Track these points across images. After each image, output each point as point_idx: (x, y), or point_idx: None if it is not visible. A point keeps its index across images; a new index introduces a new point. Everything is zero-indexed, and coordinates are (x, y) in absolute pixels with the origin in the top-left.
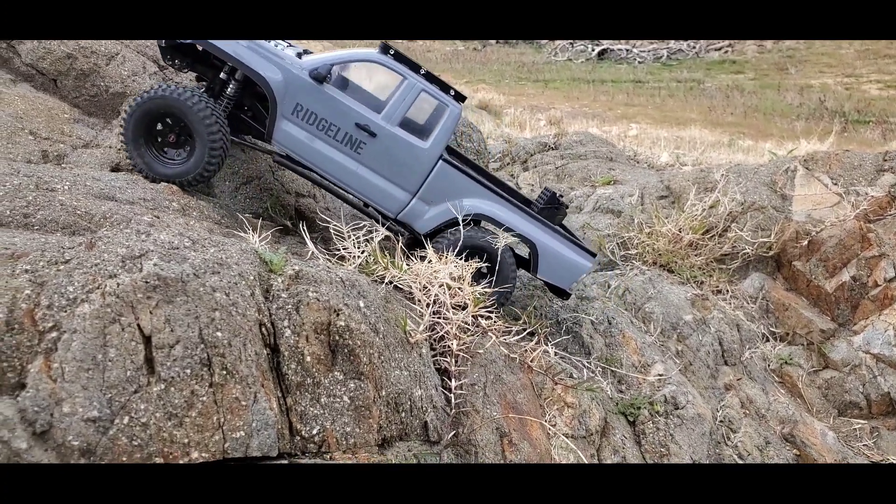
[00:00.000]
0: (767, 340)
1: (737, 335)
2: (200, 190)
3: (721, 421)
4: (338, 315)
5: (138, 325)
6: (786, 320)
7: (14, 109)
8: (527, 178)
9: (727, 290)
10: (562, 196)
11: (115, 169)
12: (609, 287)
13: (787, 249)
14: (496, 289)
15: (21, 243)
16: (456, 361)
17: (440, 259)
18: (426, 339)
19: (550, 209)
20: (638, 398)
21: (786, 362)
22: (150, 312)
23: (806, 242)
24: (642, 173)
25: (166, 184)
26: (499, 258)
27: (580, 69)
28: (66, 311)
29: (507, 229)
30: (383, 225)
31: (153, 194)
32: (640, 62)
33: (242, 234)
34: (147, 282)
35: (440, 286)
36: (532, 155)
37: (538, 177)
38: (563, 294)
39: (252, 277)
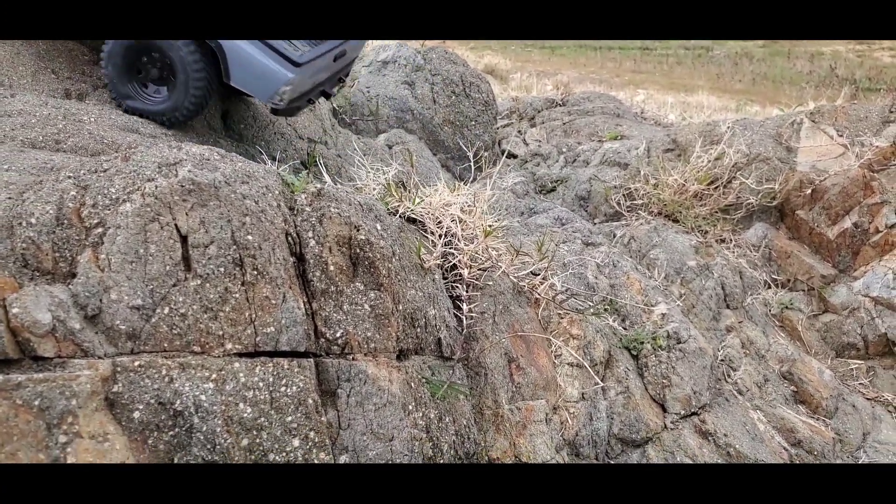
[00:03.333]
0: (769, 287)
1: (739, 281)
2: (219, 130)
3: (722, 360)
4: (358, 230)
5: (175, 225)
6: (787, 267)
7: (36, 49)
8: (534, 133)
9: (731, 239)
10: None
11: None
12: (615, 236)
13: (790, 199)
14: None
15: (59, 160)
16: (467, 289)
17: (452, 192)
18: (439, 267)
19: None
20: (641, 334)
21: (786, 307)
22: (186, 214)
23: (809, 191)
24: (649, 129)
25: (188, 124)
26: (178, 62)
27: None
28: (109, 210)
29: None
30: None
31: (218, 140)
32: None
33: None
34: (182, 185)
35: (452, 219)
36: (539, 111)
37: (545, 132)
38: (276, 111)
39: (277, 192)
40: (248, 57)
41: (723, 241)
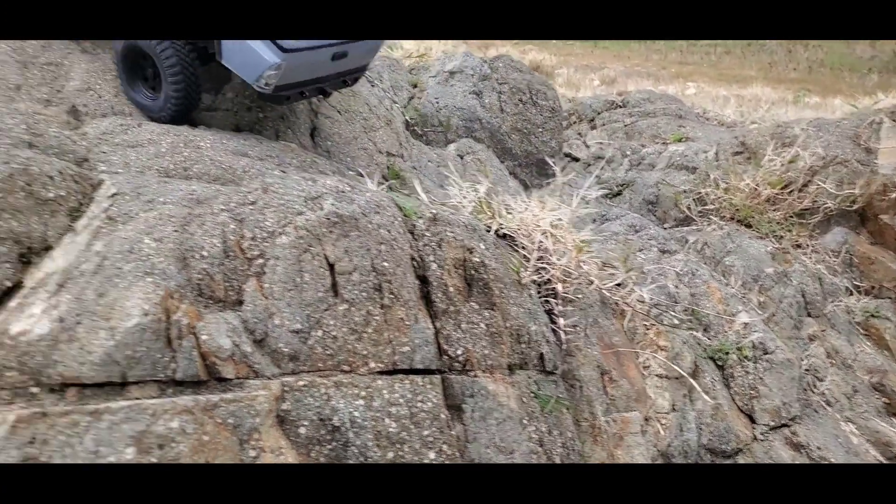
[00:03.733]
0: (851, 294)
1: (819, 288)
2: (309, 147)
3: (807, 370)
4: (471, 253)
5: (324, 255)
6: (871, 274)
7: None
8: (595, 136)
9: (807, 244)
10: None
11: (237, 129)
12: (686, 242)
13: (872, 203)
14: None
15: (200, 191)
16: (561, 304)
17: (542, 208)
18: (534, 283)
19: None
20: (725, 344)
21: (872, 315)
22: (333, 244)
23: (894, 195)
24: (713, 130)
25: (284, 142)
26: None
27: None
28: (267, 242)
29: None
30: None
31: (276, 152)
32: None
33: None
34: (328, 218)
35: (543, 234)
36: (599, 113)
37: (607, 134)
38: (264, 96)
39: (400, 218)
40: (241, 40)
41: (799, 246)
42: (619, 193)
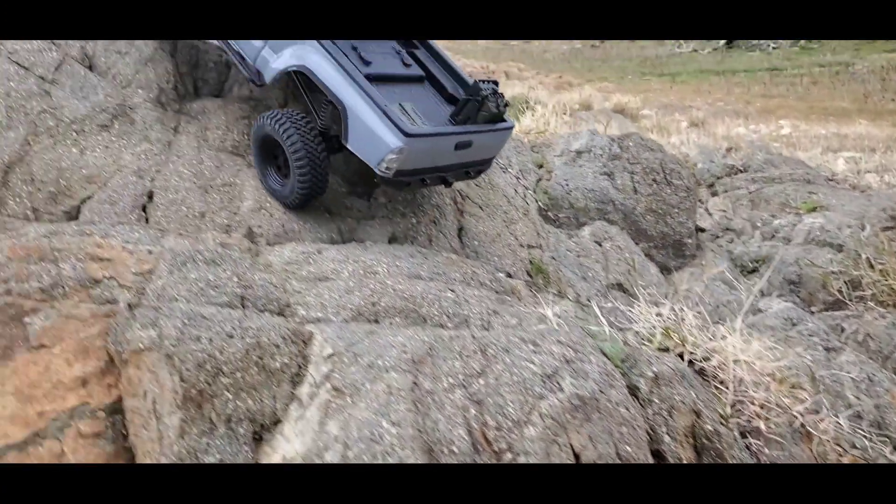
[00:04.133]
0: None
1: None
2: (458, 249)
3: None
4: (699, 416)
5: (570, 445)
6: None
7: None
8: (717, 203)
9: None
10: (494, 91)
11: (393, 237)
12: (842, 330)
13: None
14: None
15: (408, 344)
16: (764, 444)
17: (735, 335)
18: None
19: (469, 102)
20: None
21: None
22: (577, 431)
23: None
24: (847, 197)
25: (445, 255)
26: (285, 148)
27: (707, 60)
28: (514, 434)
29: (316, 87)
30: (258, 84)
31: (441, 268)
32: (774, 48)
33: (541, 309)
34: (571, 402)
35: (735, 362)
36: (719, 178)
37: (730, 202)
38: (386, 181)
39: (621, 377)
40: (363, 121)
41: None
42: (754, 270)
